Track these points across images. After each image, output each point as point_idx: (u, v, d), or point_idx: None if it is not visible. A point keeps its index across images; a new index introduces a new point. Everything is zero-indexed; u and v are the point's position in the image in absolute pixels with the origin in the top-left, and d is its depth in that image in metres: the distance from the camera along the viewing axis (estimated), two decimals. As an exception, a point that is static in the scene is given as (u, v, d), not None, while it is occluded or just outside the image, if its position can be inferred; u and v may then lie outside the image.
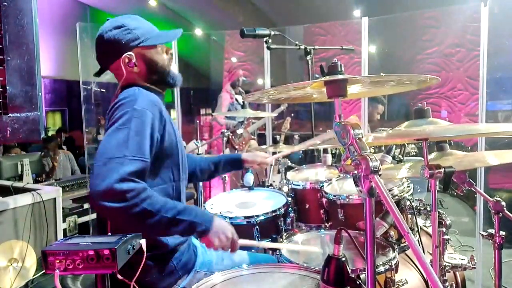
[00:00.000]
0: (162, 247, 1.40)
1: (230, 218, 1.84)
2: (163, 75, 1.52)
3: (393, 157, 1.90)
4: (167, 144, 1.39)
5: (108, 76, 1.53)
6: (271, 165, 3.14)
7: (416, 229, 1.68)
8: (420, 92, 4.79)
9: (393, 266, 1.36)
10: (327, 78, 1.01)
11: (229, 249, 1.34)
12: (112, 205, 1.12)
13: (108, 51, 1.45)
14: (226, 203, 2.11)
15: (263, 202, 2.08)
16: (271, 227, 1.88)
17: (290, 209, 2.02)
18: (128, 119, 1.25)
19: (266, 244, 1.75)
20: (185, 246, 1.48)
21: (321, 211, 1.92)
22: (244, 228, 1.82)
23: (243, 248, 1.55)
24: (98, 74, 1.54)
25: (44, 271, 0.90)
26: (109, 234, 1.00)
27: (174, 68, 1.57)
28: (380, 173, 0.84)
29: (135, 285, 1.01)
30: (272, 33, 2.30)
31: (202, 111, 9.68)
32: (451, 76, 4.55)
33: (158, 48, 1.49)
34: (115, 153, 1.18)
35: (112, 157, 1.17)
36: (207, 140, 3.96)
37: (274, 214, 1.89)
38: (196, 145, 2.90)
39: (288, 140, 5.02)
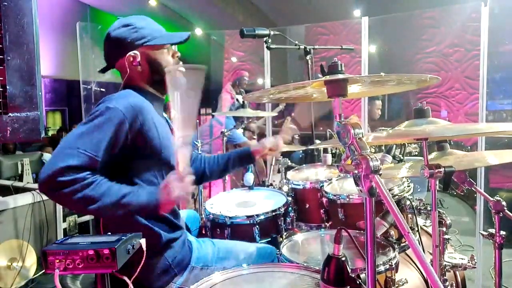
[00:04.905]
0: (154, 237, 1.38)
1: (230, 218, 1.84)
2: (165, 77, 1.48)
3: (393, 157, 1.90)
4: (144, 147, 1.37)
5: (108, 76, 1.54)
6: (271, 164, 3.14)
7: (416, 228, 1.68)
8: (419, 92, 4.79)
9: (393, 266, 1.36)
10: (327, 77, 1.01)
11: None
12: (53, 193, 1.16)
13: (114, 49, 1.47)
14: (226, 202, 2.11)
15: (263, 202, 2.08)
16: (271, 226, 1.88)
17: (290, 208, 2.02)
18: (96, 116, 1.27)
19: None
20: (180, 243, 1.47)
21: (321, 211, 1.93)
22: (245, 228, 1.83)
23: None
24: (103, 71, 1.55)
25: (44, 270, 0.89)
26: (109, 233, 1.00)
27: (179, 73, 1.50)
28: (380, 172, 0.84)
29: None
30: (272, 33, 2.29)
31: (202, 111, 9.66)
32: (449, 75, 4.54)
33: (164, 50, 1.50)
34: (70, 144, 1.21)
35: (64, 147, 1.20)
36: (207, 140, 3.95)
37: (274, 213, 1.89)
38: (196, 144, 2.90)
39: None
